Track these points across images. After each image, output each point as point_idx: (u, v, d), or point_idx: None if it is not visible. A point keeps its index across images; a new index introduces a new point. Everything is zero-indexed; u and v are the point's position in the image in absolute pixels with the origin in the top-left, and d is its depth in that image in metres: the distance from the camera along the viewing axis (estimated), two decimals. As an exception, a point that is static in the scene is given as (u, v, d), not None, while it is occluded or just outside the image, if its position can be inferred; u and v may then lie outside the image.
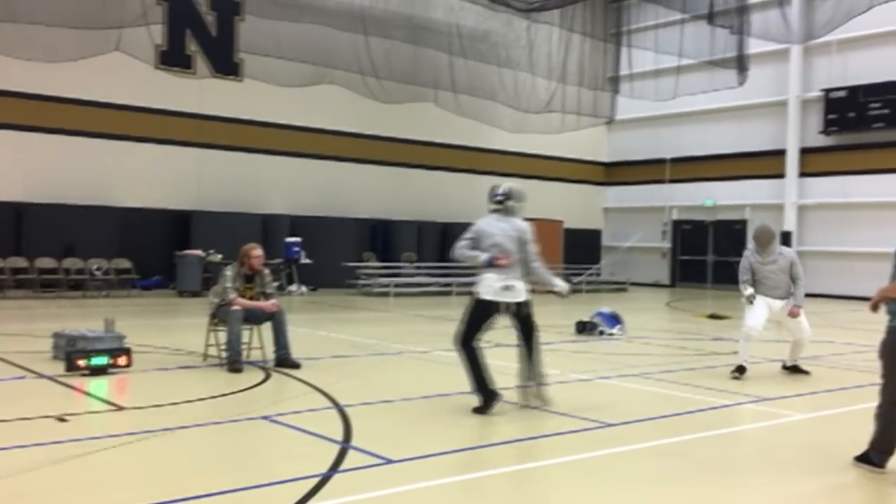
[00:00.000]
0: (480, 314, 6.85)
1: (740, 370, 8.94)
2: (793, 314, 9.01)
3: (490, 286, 6.77)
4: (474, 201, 26.33)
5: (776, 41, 23.04)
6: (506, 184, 7.27)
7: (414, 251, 24.21)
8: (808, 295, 23.60)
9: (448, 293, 21.63)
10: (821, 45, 24.26)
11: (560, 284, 7.20)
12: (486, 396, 6.70)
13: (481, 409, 6.65)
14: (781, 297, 9.00)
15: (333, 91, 21.15)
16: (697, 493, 4.86)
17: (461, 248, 6.95)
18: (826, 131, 24.90)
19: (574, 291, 25.02)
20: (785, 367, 9.46)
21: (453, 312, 14.00)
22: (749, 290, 8.91)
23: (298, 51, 19.61)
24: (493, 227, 6.94)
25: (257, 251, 9.01)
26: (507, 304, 6.79)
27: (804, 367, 9.47)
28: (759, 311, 8.90)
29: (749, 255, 9.16)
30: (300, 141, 22.91)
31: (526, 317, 6.98)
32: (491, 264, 6.74)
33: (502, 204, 7.06)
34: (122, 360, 8.27)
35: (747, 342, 8.94)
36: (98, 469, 5.03)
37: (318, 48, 19.90)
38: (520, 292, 6.85)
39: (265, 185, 22.38)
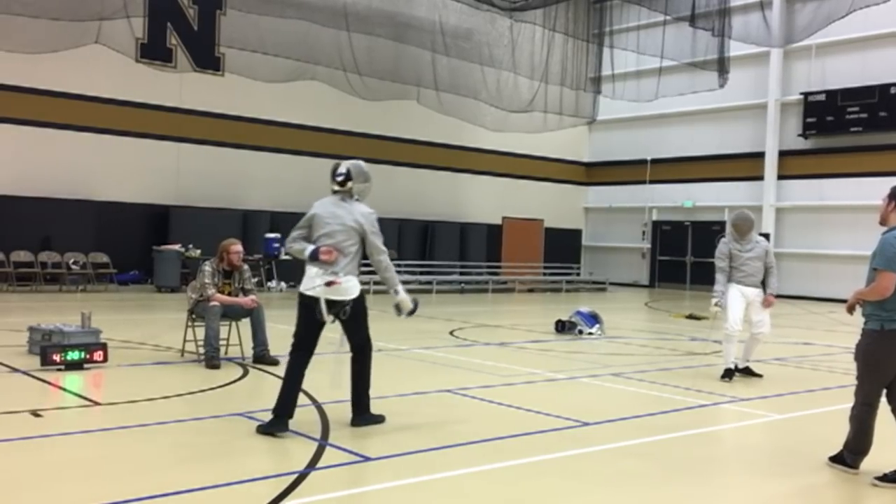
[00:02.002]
0: (301, 312, 5.99)
1: (729, 374, 8.83)
2: (768, 304, 9.02)
3: (308, 280, 5.92)
4: (456, 199, 26.45)
5: (757, 44, 23.25)
6: (348, 161, 6.21)
7: (395, 249, 24.16)
8: (784, 296, 23.80)
9: (429, 291, 21.64)
10: (800, 48, 24.48)
11: (401, 292, 6.06)
12: (274, 415, 5.80)
13: (263, 427, 5.79)
14: (755, 285, 9.02)
15: (315, 87, 21.07)
16: (672, 494, 4.89)
17: (290, 241, 6.12)
18: (804, 134, 25.12)
19: (553, 290, 25.58)
20: (737, 370, 9.07)
21: (434, 310, 14.06)
22: (715, 300, 8.82)
23: (280, 46, 19.50)
24: (329, 213, 6.03)
25: (236, 247, 8.96)
26: (330, 303, 5.85)
27: (756, 369, 9.27)
28: (737, 308, 8.83)
29: (727, 242, 9.03)
30: (281, 137, 22.80)
31: (349, 322, 5.99)
32: (314, 258, 5.87)
33: (343, 185, 6.07)
34: (98, 356, 8.20)
35: (730, 343, 8.85)
36: (72, 464, 4.98)
37: (301, 44, 19.81)
38: (343, 290, 5.86)
39: (245, 181, 22.26)
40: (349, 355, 6.13)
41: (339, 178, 6.07)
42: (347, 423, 6.10)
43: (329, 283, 5.81)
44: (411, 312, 6.11)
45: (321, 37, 20.08)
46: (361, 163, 6.24)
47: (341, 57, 20.35)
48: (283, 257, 20.82)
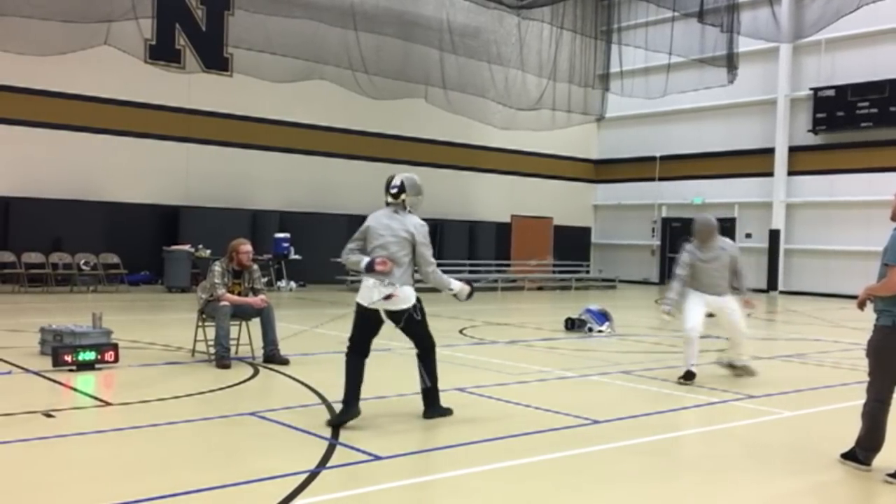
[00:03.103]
0: (358, 320, 6.32)
1: (688, 376, 8.32)
2: (750, 305, 8.64)
3: (366, 291, 6.20)
4: (464, 198, 26.44)
5: (766, 40, 23.14)
6: (402, 174, 6.47)
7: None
8: (795, 293, 23.64)
9: (437, 289, 21.60)
10: (810, 44, 24.36)
11: (456, 286, 6.51)
12: (344, 407, 6.15)
13: (331, 420, 6.10)
14: (719, 294, 8.45)
15: (323, 87, 21.10)
16: (682, 491, 4.88)
17: (347, 253, 6.39)
18: (814, 130, 25.01)
19: (563, 288, 25.52)
20: (731, 367, 8.77)
21: (442, 308, 14.04)
22: (666, 307, 8.44)
23: (288, 46, 19.54)
24: (382, 225, 6.29)
25: (246, 247, 8.98)
26: (387, 313, 6.22)
27: (751, 366, 8.82)
28: (697, 311, 8.34)
29: (690, 249, 8.48)
30: (290, 136, 22.85)
31: (408, 328, 6.33)
32: (370, 269, 6.14)
33: (396, 198, 6.34)
34: (109, 356, 8.24)
35: (690, 346, 8.36)
36: (85, 464, 5.01)
37: (309, 43, 19.84)
38: (397, 300, 6.15)
39: (254, 181, 22.32)
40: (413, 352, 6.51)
41: (394, 191, 6.31)
42: (358, 422, 6.10)
43: (388, 297, 6.11)
44: (470, 295, 6.55)
45: (329, 36, 20.11)
46: (415, 176, 6.46)
47: (349, 56, 20.38)
48: (293, 257, 20.90)
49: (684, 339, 8.44)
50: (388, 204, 6.36)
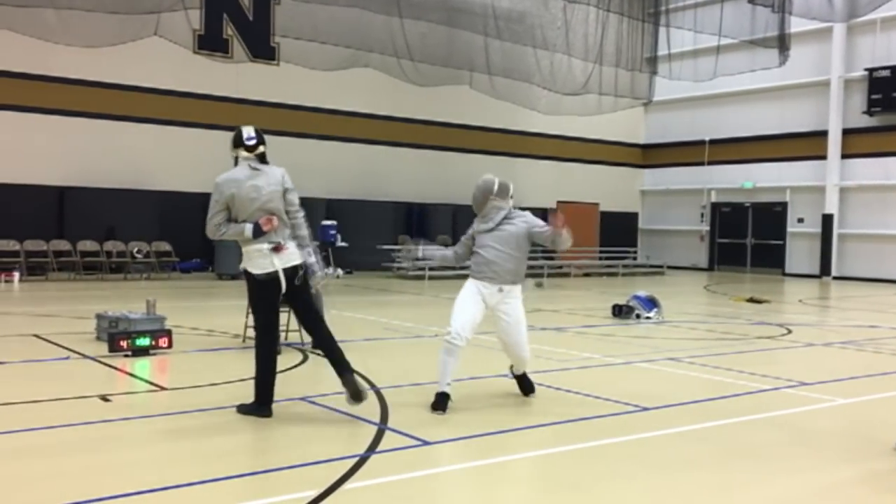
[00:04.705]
0: (259, 295, 5.85)
1: (439, 402, 6.14)
2: (560, 221, 6.28)
3: (260, 258, 5.71)
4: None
5: (818, 20, 22.60)
6: (247, 126, 5.96)
7: (449, 234, 24.23)
8: (848, 278, 23.16)
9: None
10: (864, 23, 23.73)
11: (310, 261, 5.87)
12: (258, 401, 5.85)
13: (243, 407, 5.88)
14: (504, 283, 6.38)
15: (369, 74, 21.18)
16: (733, 479, 4.83)
17: (219, 226, 5.77)
18: (869, 112, 24.39)
19: (609, 275, 25.32)
20: (514, 377, 6.89)
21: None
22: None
23: (334, 34, 19.64)
24: (250, 187, 5.72)
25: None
26: (287, 272, 5.73)
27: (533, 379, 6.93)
28: (468, 308, 6.32)
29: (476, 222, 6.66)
30: (336, 124, 22.99)
31: (302, 288, 5.85)
32: (258, 233, 5.66)
33: (254, 150, 5.85)
34: (163, 342, 8.42)
35: (449, 356, 6.22)
36: (139, 448, 5.13)
37: (354, 31, 19.92)
38: (290, 254, 5.78)
39: (301, 169, 22.37)
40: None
41: (251, 143, 5.83)
42: (406, 407, 6.15)
43: (276, 248, 5.69)
44: (326, 276, 6.26)
45: (374, 24, 20.16)
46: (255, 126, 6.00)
47: (394, 43, 20.41)
48: (340, 244, 21.05)
49: (443, 347, 6.31)
50: (238, 161, 5.86)
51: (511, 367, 6.91)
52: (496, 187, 6.56)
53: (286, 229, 5.82)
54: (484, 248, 6.44)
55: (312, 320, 6.08)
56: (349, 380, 5.79)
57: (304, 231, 5.93)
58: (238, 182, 5.73)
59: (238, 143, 5.87)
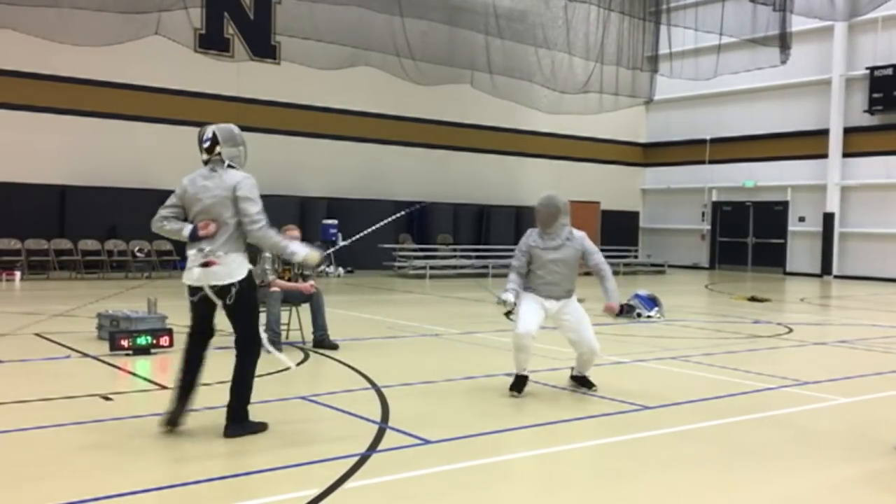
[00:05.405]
0: (190, 299, 5.45)
1: (518, 385, 6.76)
2: (610, 310, 6.92)
3: (190, 264, 5.32)
4: (511, 183, 26.34)
5: (820, 18, 22.58)
6: (215, 125, 5.55)
7: (450, 233, 24.25)
8: (849, 277, 23.06)
9: (484, 275, 21.65)
10: (866, 21, 23.73)
11: (300, 250, 5.48)
12: (177, 404, 5.38)
13: (166, 423, 5.37)
14: (558, 297, 6.77)
15: (370, 73, 21.18)
16: (735, 478, 4.83)
17: (160, 220, 5.46)
18: (870, 110, 24.38)
19: (614, 273, 25.24)
20: (572, 378, 7.23)
21: (490, 294, 14.08)
22: (507, 295, 6.68)
23: (335, 33, 19.64)
24: (199, 187, 5.37)
25: (294, 233, 9.05)
26: (211, 289, 5.27)
27: (593, 379, 7.19)
28: (532, 313, 6.68)
29: (530, 235, 6.90)
30: (337, 123, 23.00)
31: (234, 308, 5.29)
32: (193, 237, 5.29)
33: (211, 153, 5.42)
34: (164, 341, 8.42)
35: (521, 352, 6.70)
36: (141, 447, 5.13)
37: (355, 30, 19.92)
38: (219, 272, 5.22)
39: (302, 168, 22.52)
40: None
41: (206, 145, 5.42)
42: (407, 407, 6.14)
43: (206, 265, 5.20)
44: (321, 264, 5.75)
45: (375, 22, 20.15)
46: (231, 125, 5.58)
47: (395, 42, 20.41)
48: (341, 243, 21.07)
49: (513, 344, 6.75)
50: (205, 163, 5.48)
51: (572, 368, 7.20)
52: (565, 207, 6.86)
53: (230, 241, 5.28)
54: (545, 269, 6.75)
55: (238, 345, 5.45)
56: (231, 430, 5.30)
57: (270, 242, 5.40)
58: (193, 181, 5.44)
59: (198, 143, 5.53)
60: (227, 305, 5.29)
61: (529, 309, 6.72)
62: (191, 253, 5.30)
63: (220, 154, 5.41)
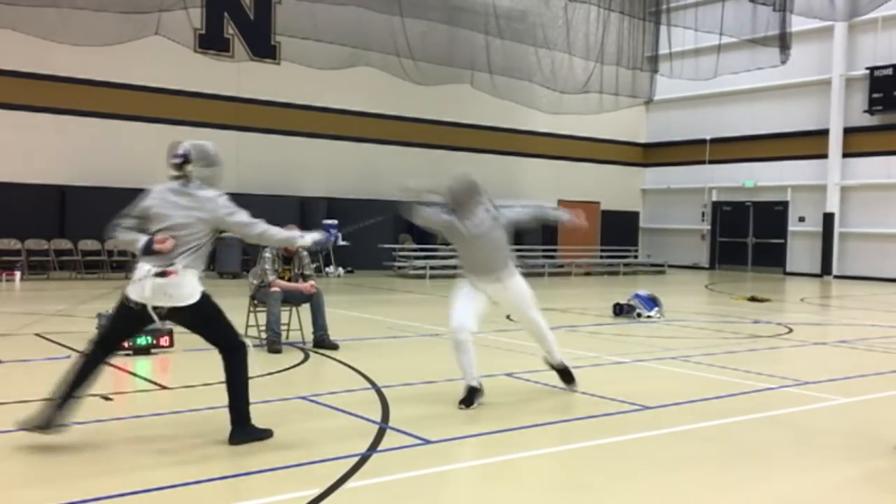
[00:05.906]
0: (118, 313, 5.17)
1: (469, 398, 6.17)
2: (577, 215, 6.56)
3: (137, 283, 4.99)
4: (511, 183, 26.31)
5: (820, 18, 22.58)
6: (190, 141, 5.25)
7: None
8: (849, 277, 23.04)
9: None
10: (866, 22, 23.73)
11: (304, 240, 5.53)
12: (54, 409, 4.97)
13: (33, 424, 4.96)
14: (496, 278, 6.33)
15: (369, 73, 21.18)
16: (735, 478, 4.83)
17: (117, 229, 5.17)
18: (870, 110, 24.38)
19: (611, 273, 25.33)
20: (552, 368, 6.88)
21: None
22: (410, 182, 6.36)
23: (335, 33, 19.65)
24: (169, 203, 5.08)
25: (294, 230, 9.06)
26: (166, 311, 5.03)
27: (572, 369, 6.91)
28: (466, 303, 6.24)
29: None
30: (337, 123, 23.00)
31: (201, 327, 5.22)
32: (147, 250, 5.00)
33: (180, 170, 5.11)
34: (164, 341, 8.42)
35: (461, 353, 6.18)
36: (141, 448, 5.13)
37: (355, 30, 19.92)
38: (177, 288, 4.98)
39: (302, 168, 22.52)
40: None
41: (176, 161, 5.11)
42: (408, 406, 6.14)
43: (162, 274, 4.93)
44: (323, 243, 5.66)
45: (375, 23, 20.16)
46: (207, 144, 5.29)
47: (395, 42, 20.41)
48: (341, 243, 21.05)
49: (452, 344, 6.29)
50: (172, 178, 5.16)
51: (544, 358, 6.86)
52: (481, 187, 6.45)
53: (189, 258, 5.04)
54: (471, 248, 6.30)
55: (223, 351, 5.26)
56: (236, 436, 5.14)
57: (276, 238, 5.44)
58: (163, 197, 5.13)
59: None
60: (194, 324, 5.19)
61: (462, 299, 6.21)
62: (142, 266, 5.02)
63: (189, 173, 5.13)
